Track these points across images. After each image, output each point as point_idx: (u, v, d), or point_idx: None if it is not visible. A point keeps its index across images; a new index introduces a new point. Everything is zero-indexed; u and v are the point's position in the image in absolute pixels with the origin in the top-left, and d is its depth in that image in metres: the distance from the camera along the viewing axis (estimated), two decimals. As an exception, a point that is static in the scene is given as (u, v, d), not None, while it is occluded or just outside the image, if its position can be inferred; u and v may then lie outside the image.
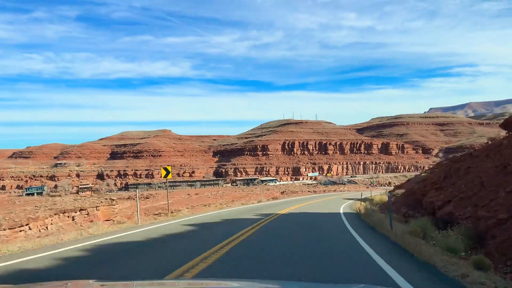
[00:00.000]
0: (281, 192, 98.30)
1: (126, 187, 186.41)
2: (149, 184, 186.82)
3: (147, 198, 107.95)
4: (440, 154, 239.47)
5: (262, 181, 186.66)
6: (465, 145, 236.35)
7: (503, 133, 19.21)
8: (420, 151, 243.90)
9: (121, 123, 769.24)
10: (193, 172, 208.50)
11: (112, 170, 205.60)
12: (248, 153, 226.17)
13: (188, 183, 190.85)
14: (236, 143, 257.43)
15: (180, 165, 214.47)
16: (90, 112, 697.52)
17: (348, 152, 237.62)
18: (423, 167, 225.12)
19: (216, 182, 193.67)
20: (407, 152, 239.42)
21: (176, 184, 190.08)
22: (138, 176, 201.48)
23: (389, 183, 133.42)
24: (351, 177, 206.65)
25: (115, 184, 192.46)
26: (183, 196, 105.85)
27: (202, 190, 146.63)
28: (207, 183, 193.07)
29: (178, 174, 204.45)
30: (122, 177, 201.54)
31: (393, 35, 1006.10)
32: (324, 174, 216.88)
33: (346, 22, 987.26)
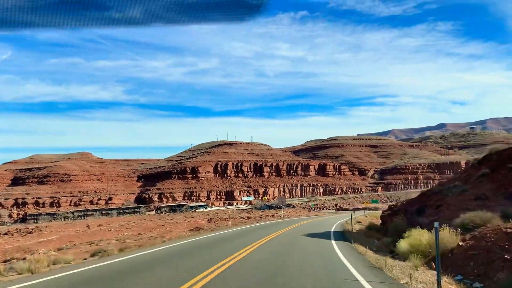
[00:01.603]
0: (208, 220, 78.70)
1: (23, 219, 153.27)
2: (53, 214, 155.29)
3: (30, 232, 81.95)
4: (376, 176, 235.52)
5: (191, 207, 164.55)
6: (399, 165, 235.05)
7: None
8: (357, 173, 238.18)
9: (40, 149, 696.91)
10: (109, 198, 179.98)
11: (7, 199, 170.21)
12: (176, 176, 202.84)
13: (103, 212, 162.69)
14: (164, 166, 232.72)
15: (95, 191, 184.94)
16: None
17: (285, 174, 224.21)
18: (360, 188, 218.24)
19: (137, 209, 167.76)
20: (344, 173, 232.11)
21: (88, 213, 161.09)
22: (41, 205, 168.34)
23: (336, 205, 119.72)
24: (285, 201, 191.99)
25: (10, 215, 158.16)
26: (79, 229, 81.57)
27: (116, 219, 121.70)
28: (126, 211, 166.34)
29: (91, 202, 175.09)
30: (20, 206, 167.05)
31: (323, 65, 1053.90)
32: (260, 198, 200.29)
33: (280, 52, 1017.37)
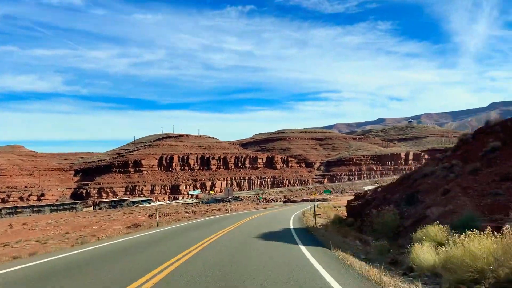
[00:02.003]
0: (149, 216, 72.83)
1: None
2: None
3: None
4: (322, 168, 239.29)
5: (133, 202, 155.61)
6: (344, 157, 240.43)
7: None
8: (303, 165, 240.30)
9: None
10: (42, 194, 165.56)
11: None
12: (117, 170, 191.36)
13: (35, 209, 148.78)
14: (104, 160, 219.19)
15: (25, 187, 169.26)
16: None
17: (233, 167, 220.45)
18: (307, 180, 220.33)
19: (74, 206, 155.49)
20: (291, 166, 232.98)
21: (18, 210, 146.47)
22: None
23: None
24: (232, 194, 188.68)
25: None
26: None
27: (47, 217, 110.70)
28: (61, 207, 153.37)
29: (21, 198, 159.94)
30: None
31: (271, 60, 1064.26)
32: (207, 191, 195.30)
33: (228, 45, 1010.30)
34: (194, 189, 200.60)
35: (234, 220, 33.53)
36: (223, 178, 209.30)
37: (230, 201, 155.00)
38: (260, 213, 47.60)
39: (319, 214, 36.75)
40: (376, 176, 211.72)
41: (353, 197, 29.65)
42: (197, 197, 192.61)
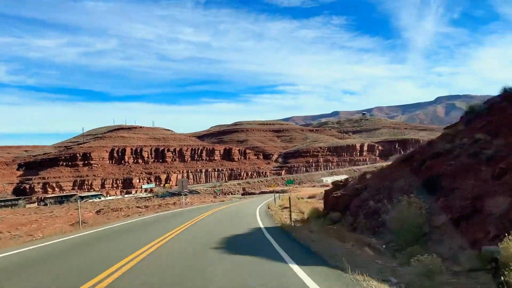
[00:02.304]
0: (97, 212, 67.19)
1: None
2: None
3: None
4: (280, 159, 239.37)
5: (82, 197, 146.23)
6: (301, 149, 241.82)
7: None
8: (261, 157, 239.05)
9: None
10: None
11: None
12: (64, 163, 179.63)
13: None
14: (49, 153, 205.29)
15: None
16: None
17: (189, 159, 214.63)
18: (265, 172, 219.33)
19: (16, 202, 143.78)
20: (249, 157, 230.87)
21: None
22: None
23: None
24: (187, 186, 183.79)
25: None
26: None
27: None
28: (1, 204, 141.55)
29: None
30: None
31: (228, 52, 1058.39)
32: (162, 185, 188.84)
33: (184, 36, 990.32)
34: (148, 183, 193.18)
35: (189, 216, 29.23)
36: (179, 171, 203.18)
37: (185, 194, 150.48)
38: (218, 207, 43.61)
39: (287, 207, 33.31)
40: (333, 167, 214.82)
41: (330, 187, 25.62)
42: (151, 191, 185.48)
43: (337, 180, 25.89)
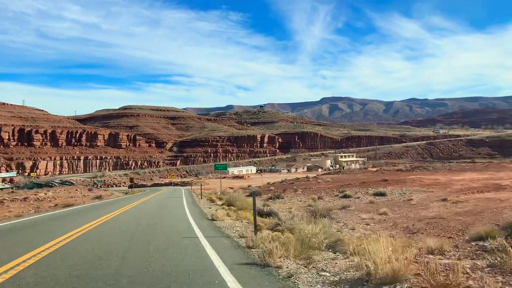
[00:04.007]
0: None
1: None
2: None
3: None
4: (175, 148, 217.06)
5: None
6: (199, 138, 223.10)
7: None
8: (154, 145, 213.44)
9: None
10: None
11: None
12: None
13: None
14: None
15: None
16: None
17: (64, 144, 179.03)
18: (158, 162, 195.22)
19: None
20: (139, 145, 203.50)
21: None
22: None
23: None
24: (61, 177, 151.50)
25: None
26: None
27: None
28: None
29: None
30: None
31: (119, 36, 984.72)
32: (27, 173, 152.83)
33: (70, 14, 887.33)
34: (7, 171, 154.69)
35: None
36: (50, 158, 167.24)
37: (53, 185, 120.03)
38: (85, 214, 23.05)
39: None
40: (233, 158, 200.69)
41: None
42: (11, 180, 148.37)
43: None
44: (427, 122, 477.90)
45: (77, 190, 73.41)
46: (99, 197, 47.74)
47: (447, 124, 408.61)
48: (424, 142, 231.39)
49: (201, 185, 30.43)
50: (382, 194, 27.70)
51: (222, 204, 20.68)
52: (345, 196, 28.53)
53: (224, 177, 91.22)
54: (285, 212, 20.24)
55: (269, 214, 16.58)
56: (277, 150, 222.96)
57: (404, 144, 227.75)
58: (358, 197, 28.29)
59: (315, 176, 57.67)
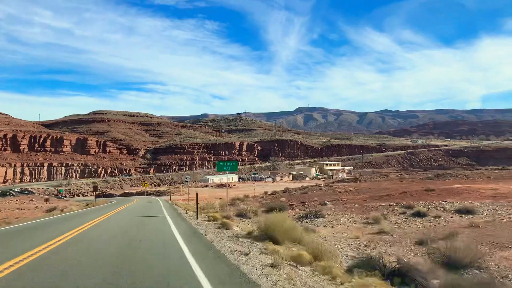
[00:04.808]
0: None
1: None
2: None
3: None
4: (148, 155, 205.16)
5: None
6: (175, 144, 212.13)
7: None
8: (125, 151, 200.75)
9: None
10: None
11: None
12: None
13: None
14: None
15: None
16: None
17: (26, 149, 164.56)
18: (129, 169, 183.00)
19: None
20: (109, 151, 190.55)
21: None
22: None
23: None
24: (19, 186, 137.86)
25: None
26: None
27: None
28: None
29: None
30: None
31: (92, 43, 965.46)
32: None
33: (41, 19, 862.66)
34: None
35: None
36: (10, 164, 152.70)
37: (12, 195, 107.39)
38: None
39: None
40: (209, 167, 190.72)
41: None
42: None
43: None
44: (402, 132, 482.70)
45: (32, 200, 62.58)
46: (52, 210, 38.02)
47: (421, 135, 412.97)
48: (404, 151, 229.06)
49: (196, 197, 20.19)
50: (468, 211, 19.67)
51: (251, 234, 12.00)
52: (417, 214, 20.24)
53: (205, 186, 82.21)
54: (351, 244, 11.95)
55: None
56: (256, 158, 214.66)
57: (384, 153, 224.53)
58: (439, 216, 20.03)
59: (328, 185, 49.18)
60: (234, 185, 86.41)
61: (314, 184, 52.81)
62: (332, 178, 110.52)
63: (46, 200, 63.38)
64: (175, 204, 35.96)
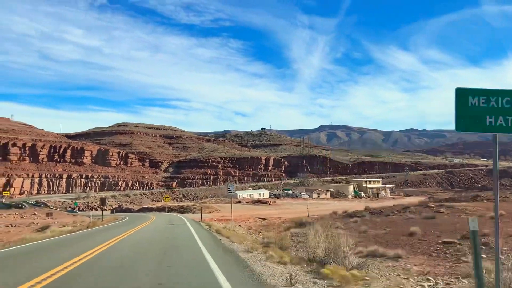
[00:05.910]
0: None
1: None
2: None
3: None
4: (171, 169, 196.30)
5: None
6: (198, 158, 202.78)
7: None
8: (148, 164, 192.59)
9: None
10: None
11: None
12: None
13: None
14: None
15: None
16: None
17: (46, 160, 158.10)
18: (151, 183, 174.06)
19: None
20: (131, 163, 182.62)
21: None
22: None
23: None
24: (31, 197, 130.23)
25: None
26: None
27: None
28: None
29: None
30: None
31: (119, 60, 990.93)
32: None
33: (72, 37, 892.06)
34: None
35: None
36: (28, 175, 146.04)
37: (25, 207, 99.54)
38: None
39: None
40: (235, 182, 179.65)
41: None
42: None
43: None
44: (432, 151, 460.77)
45: (34, 214, 53.36)
46: (45, 228, 27.74)
47: (454, 154, 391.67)
48: (442, 170, 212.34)
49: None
50: None
51: None
52: None
53: (238, 202, 71.20)
54: None
55: None
56: (283, 174, 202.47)
57: (421, 172, 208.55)
58: None
59: (441, 205, 32.93)
60: (274, 202, 74.82)
61: (406, 204, 40.54)
62: (378, 196, 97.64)
63: (48, 214, 53.59)
64: (214, 230, 23.09)
